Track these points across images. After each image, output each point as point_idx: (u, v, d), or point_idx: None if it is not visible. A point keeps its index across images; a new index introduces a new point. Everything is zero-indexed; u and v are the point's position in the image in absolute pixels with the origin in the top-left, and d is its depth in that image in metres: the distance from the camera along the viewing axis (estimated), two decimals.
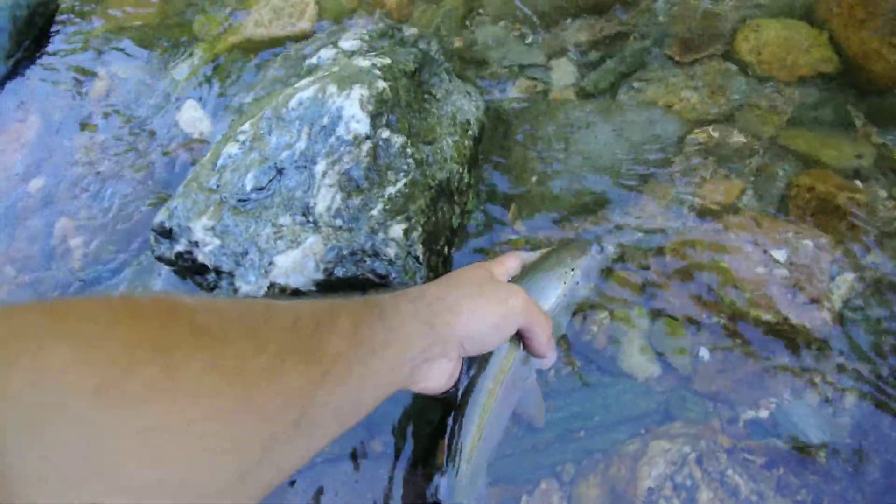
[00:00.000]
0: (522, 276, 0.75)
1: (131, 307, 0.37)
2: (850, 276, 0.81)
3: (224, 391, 0.37)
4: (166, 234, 0.85)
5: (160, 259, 0.86)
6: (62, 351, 0.32)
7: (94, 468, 0.32)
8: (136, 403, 0.33)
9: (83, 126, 1.16)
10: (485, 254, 0.88)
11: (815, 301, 0.78)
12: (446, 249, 0.83)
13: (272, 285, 0.75)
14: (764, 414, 0.73)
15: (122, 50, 1.26)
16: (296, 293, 0.76)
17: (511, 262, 0.75)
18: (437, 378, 0.63)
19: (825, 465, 0.70)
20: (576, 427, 0.75)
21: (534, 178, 0.94)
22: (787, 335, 0.77)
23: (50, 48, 1.31)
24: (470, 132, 0.91)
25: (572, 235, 0.88)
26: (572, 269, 0.77)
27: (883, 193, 0.88)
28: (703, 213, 0.88)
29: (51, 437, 0.30)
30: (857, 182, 0.88)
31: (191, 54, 1.21)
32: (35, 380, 0.31)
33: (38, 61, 1.28)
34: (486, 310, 0.62)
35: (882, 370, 0.75)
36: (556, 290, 0.75)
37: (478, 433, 0.68)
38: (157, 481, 0.34)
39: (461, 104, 0.94)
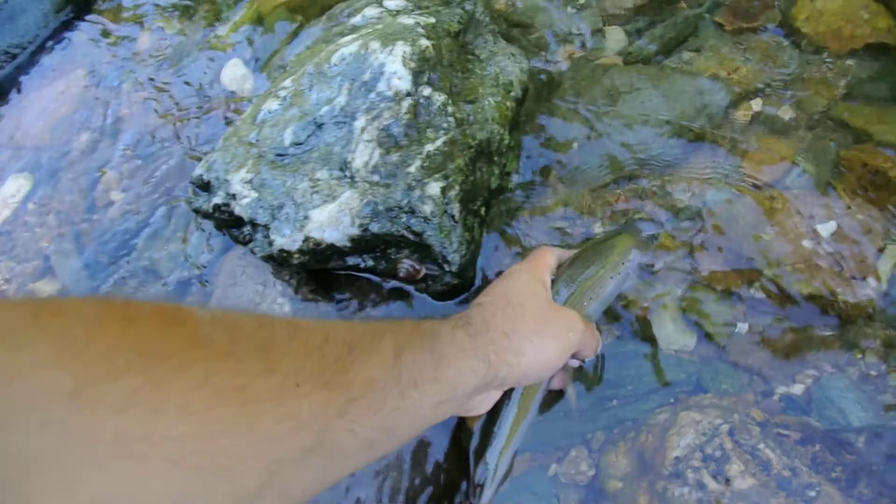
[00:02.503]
0: (573, 268, 0.74)
1: (127, 311, 0.35)
2: None
3: (217, 409, 0.35)
4: (204, 186, 0.85)
5: (197, 212, 0.87)
6: (40, 350, 0.30)
7: (62, 477, 0.30)
8: (113, 412, 0.31)
9: (127, 82, 1.17)
10: (524, 215, 0.87)
11: (860, 275, 0.76)
12: (483, 210, 0.83)
13: (307, 239, 0.75)
14: (801, 389, 0.72)
15: (166, 7, 1.27)
16: (331, 248, 0.76)
17: (551, 260, 0.73)
18: (483, 407, 0.62)
19: (864, 445, 0.68)
20: (608, 395, 0.75)
21: (576, 143, 0.92)
22: (830, 309, 0.75)
23: (96, 5, 1.32)
24: (513, 93, 0.90)
25: (619, 213, 0.86)
26: (625, 263, 0.76)
27: None
28: (748, 185, 0.85)
29: (16, 440, 0.29)
30: None
31: (235, 12, 1.21)
32: (6, 378, 0.29)
33: (85, 18, 1.30)
34: (549, 348, 0.61)
35: None
36: (609, 287, 0.74)
37: (505, 451, 0.69)
38: (131, 496, 0.32)
39: (505, 65, 0.92)
